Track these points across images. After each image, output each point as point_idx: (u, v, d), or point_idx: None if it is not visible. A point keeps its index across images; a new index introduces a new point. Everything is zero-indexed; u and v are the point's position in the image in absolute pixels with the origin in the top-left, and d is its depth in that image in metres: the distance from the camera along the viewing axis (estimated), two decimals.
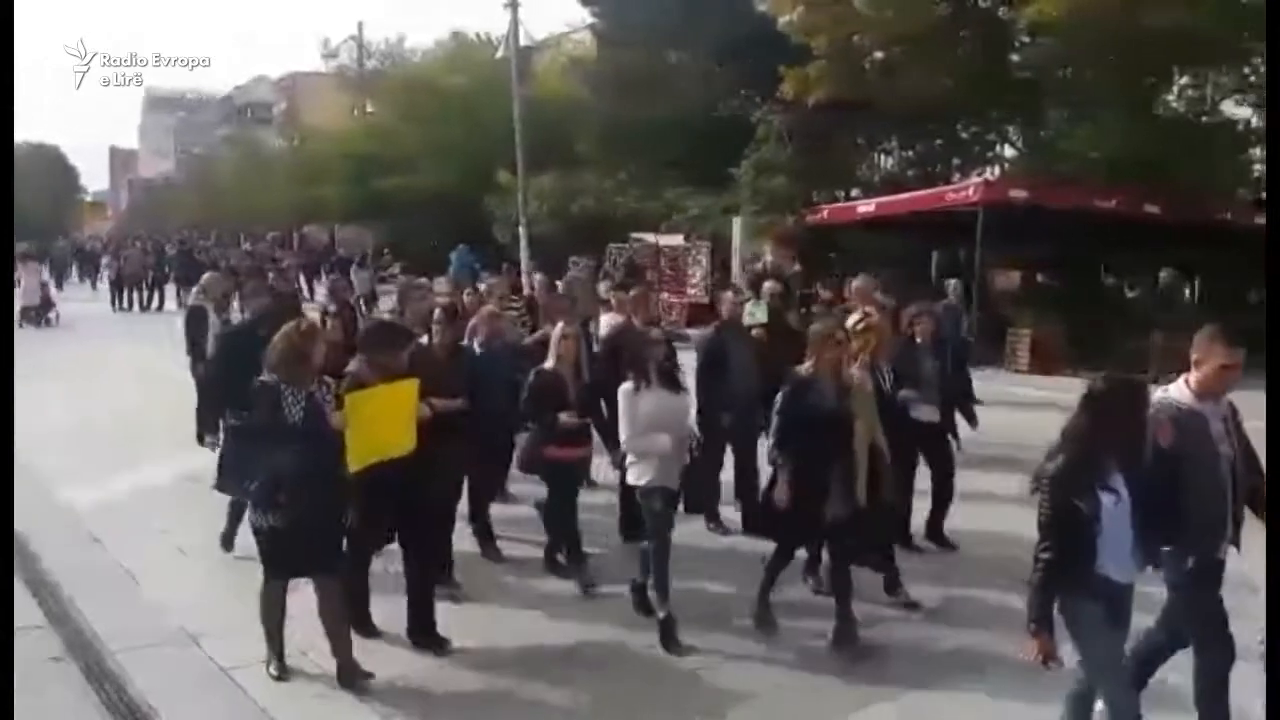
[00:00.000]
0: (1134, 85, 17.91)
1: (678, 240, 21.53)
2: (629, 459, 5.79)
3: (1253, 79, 18.05)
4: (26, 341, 19.88)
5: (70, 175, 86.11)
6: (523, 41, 26.50)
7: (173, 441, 10.40)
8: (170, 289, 29.13)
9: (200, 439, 9.92)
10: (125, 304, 27.69)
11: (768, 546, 5.98)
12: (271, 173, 44.27)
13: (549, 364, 6.57)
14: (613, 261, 20.72)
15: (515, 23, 26.22)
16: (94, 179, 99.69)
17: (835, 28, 18.75)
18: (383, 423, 5.20)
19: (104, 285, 31.50)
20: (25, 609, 6.09)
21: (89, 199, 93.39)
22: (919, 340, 7.26)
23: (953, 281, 13.96)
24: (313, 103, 46.45)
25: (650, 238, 21.92)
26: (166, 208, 63.58)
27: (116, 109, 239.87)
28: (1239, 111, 19.63)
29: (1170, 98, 20.05)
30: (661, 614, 5.61)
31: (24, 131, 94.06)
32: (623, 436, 5.74)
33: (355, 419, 5.04)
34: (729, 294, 8.35)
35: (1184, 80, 19.85)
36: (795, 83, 19.45)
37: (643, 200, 24.09)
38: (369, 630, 5.62)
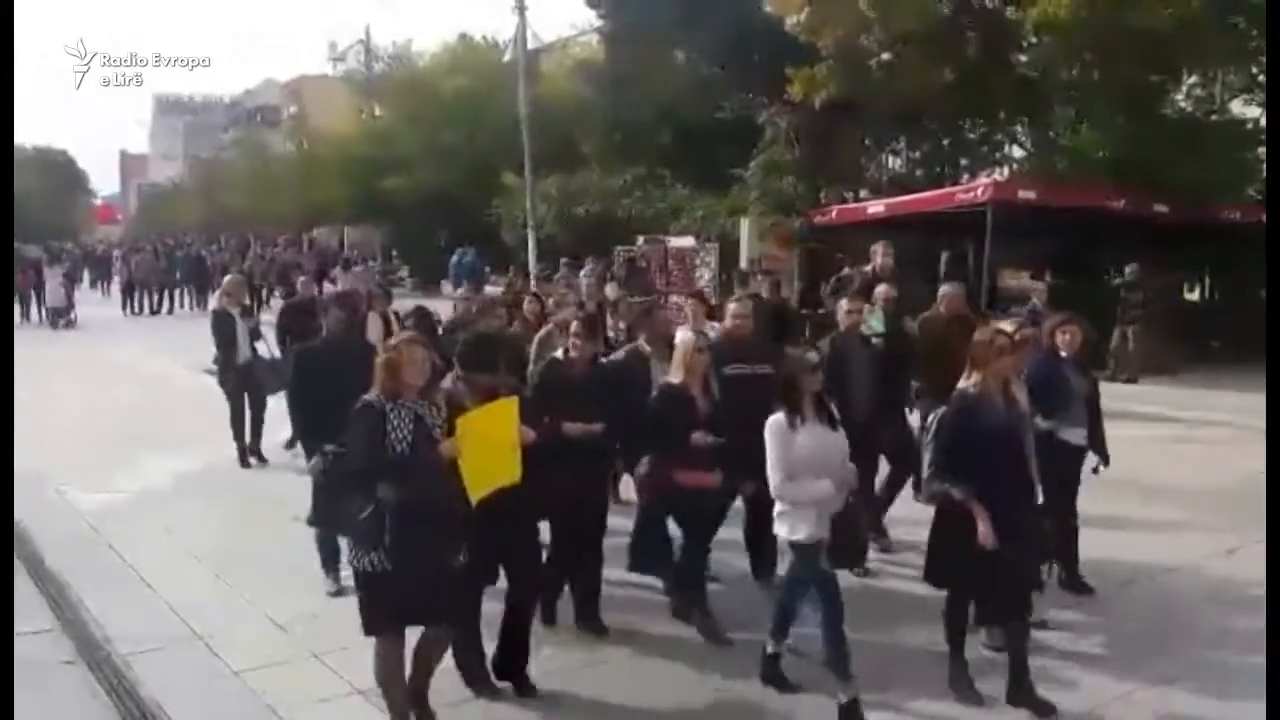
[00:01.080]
0: (1141, 85, 17.86)
1: (688, 242, 21.52)
2: (780, 508, 4.98)
3: (1261, 78, 17.97)
4: (48, 343, 20.05)
5: (80, 179, 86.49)
6: (530, 44, 26.59)
7: (181, 443, 10.50)
8: (179, 293, 29.49)
9: (244, 460, 9.88)
10: (136, 308, 27.91)
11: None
12: (279, 176, 44.39)
13: (675, 378, 5.78)
14: (620, 264, 20.70)
15: (523, 26, 26.31)
16: (106, 184, 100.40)
17: (841, 28, 18.71)
18: (489, 449, 4.65)
19: (115, 289, 31.63)
20: (36, 612, 6.13)
21: (99, 203, 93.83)
22: (1064, 353, 6.43)
23: (1040, 285, 13.12)
24: (320, 106, 46.51)
25: (670, 239, 21.91)
26: (175, 211, 63.77)
27: (127, 113, 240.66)
28: (1248, 111, 19.56)
29: (1179, 97, 19.99)
30: (844, 697, 4.80)
31: (35, 136, 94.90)
32: (774, 482, 4.93)
33: (466, 446, 4.51)
34: (845, 302, 7.47)
35: (1192, 80, 19.78)
36: (802, 83, 19.42)
37: (648, 202, 24.10)
38: (483, 684, 5.09)
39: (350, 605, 6.05)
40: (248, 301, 10.81)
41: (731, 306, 6.99)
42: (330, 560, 6.43)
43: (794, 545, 4.94)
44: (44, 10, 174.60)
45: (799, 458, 4.86)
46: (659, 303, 7.47)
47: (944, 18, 19.00)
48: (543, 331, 7.29)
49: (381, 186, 33.08)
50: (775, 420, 4.93)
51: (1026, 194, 16.44)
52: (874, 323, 7.66)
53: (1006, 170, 22.06)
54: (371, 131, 37.92)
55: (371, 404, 4.42)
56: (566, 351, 5.89)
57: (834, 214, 19.84)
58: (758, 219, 20.37)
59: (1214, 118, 19.56)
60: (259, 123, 66.85)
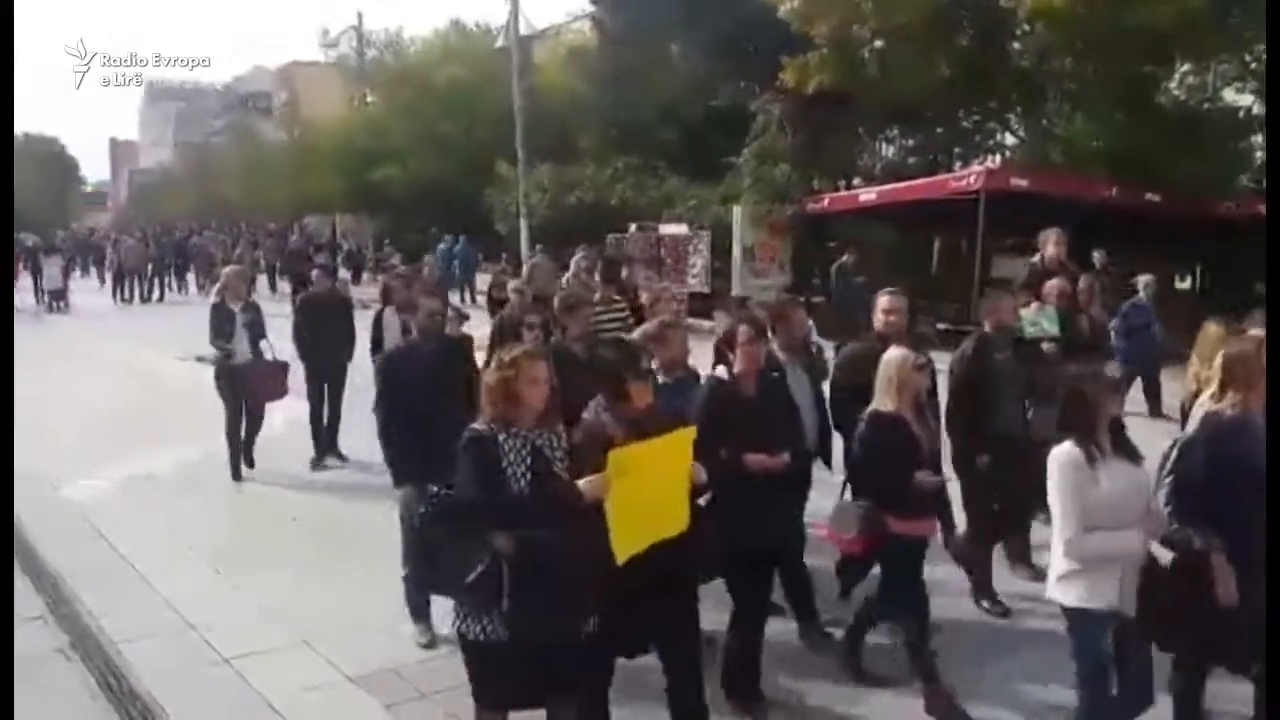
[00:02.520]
0: (1135, 75, 17.86)
1: (680, 229, 21.50)
2: (1065, 566, 3.95)
3: (1254, 66, 17.98)
4: (39, 334, 19.97)
5: (70, 167, 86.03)
6: (523, 31, 26.46)
7: (174, 435, 10.46)
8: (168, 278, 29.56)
9: (236, 473, 9.21)
10: (126, 296, 27.96)
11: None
12: (270, 163, 44.22)
13: (885, 406, 4.80)
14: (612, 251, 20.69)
15: (515, 13, 26.18)
16: (96, 170, 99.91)
17: (835, 16, 18.69)
18: (652, 493, 3.78)
19: (107, 276, 31.60)
20: (30, 603, 6.13)
21: (89, 189, 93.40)
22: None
23: (1145, 278, 12.22)
24: (312, 93, 46.33)
25: (662, 227, 21.88)
26: (165, 199, 63.50)
27: (118, 100, 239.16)
28: (1241, 99, 19.56)
29: (1172, 85, 19.98)
30: None
31: (25, 123, 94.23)
32: (1065, 534, 3.90)
33: (619, 489, 3.63)
34: (1007, 299, 6.25)
35: (1185, 68, 19.78)
36: (795, 72, 19.40)
37: (641, 190, 24.06)
38: None
39: (345, 592, 6.12)
40: (249, 295, 10.24)
41: (882, 300, 5.79)
42: (422, 608, 5.52)
43: (1089, 617, 3.93)
44: (44, 10, 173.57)
45: (1099, 503, 3.83)
46: (794, 302, 6.29)
47: (937, 6, 18.97)
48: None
49: (374, 176, 33.00)
50: (1066, 454, 3.88)
51: (1019, 182, 16.46)
52: (1045, 323, 6.67)
53: (999, 158, 22.08)
54: (364, 120, 37.76)
55: (482, 434, 3.65)
56: (729, 367, 4.89)
57: (827, 202, 19.87)
58: (751, 207, 20.37)
59: (1207, 106, 19.56)
60: (250, 109, 66.52)
